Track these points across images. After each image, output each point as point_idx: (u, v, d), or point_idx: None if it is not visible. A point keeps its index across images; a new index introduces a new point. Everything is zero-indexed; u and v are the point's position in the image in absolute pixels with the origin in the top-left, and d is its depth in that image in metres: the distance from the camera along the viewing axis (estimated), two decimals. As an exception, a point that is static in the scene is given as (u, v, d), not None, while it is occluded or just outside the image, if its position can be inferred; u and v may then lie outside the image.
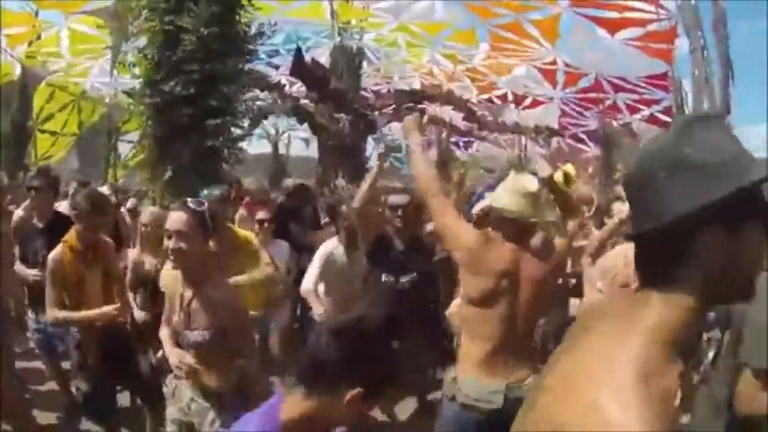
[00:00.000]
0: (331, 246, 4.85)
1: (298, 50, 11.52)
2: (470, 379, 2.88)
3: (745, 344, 2.13)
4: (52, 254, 3.68)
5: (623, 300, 1.18)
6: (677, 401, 0.98)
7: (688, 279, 1.04)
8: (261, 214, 4.94)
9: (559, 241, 3.04)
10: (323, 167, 12.77)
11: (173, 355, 2.91)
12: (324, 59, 13.39)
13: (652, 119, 15.87)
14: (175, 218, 2.74)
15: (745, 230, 1.02)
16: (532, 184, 2.93)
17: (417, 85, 17.47)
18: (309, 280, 4.77)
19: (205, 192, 4.21)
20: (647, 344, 1.01)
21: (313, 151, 16.37)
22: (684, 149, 1.03)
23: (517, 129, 19.17)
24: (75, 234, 3.70)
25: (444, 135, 21.97)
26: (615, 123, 16.85)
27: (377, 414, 5.06)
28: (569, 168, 4.64)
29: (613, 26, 12.22)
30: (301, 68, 11.40)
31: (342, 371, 1.61)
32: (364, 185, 4.46)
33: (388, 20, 13.68)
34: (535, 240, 2.93)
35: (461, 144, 23.73)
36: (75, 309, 3.67)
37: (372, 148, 22.95)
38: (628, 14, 11.56)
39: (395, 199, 4.89)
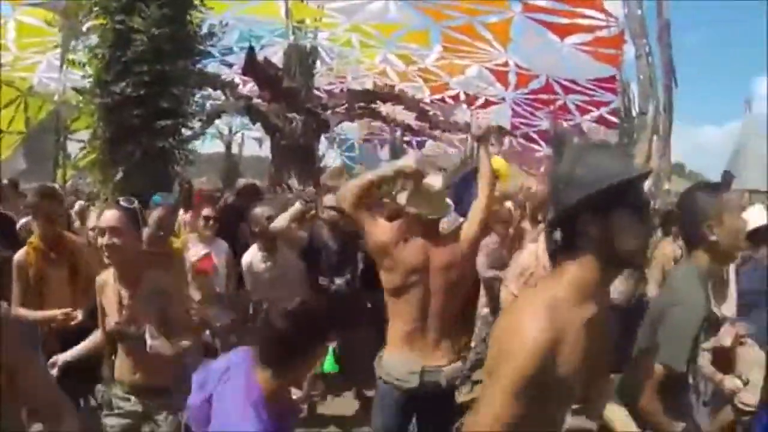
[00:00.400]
0: (249, 256, 4.80)
1: (251, 49, 11.38)
2: (392, 358, 3.17)
3: (663, 344, 2.35)
4: (17, 254, 3.77)
5: (548, 273, 1.78)
6: (578, 330, 1.53)
7: (589, 249, 1.59)
8: (206, 211, 4.93)
9: (465, 228, 3.30)
10: (276, 167, 12.62)
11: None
12: (277, 58, 13.27)
13: (601, 120, 16.28)
14: (108, 215, 2.88)
15: (614, 216, 1.57)
16: (434, 183, 3.24)
17: (370, 85, 17.48)
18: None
19: (158, 197, 4.21)
20: (562, 290, 1.58)
21: (266, 150, 16.27)
22: (575, 170, 1.62)
23: (468, 128, 19.33)
24: (37, 233, 3.80)
25: (398, 134, 22.10)
26: (565, 123, 17.23)
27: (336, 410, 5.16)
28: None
29: (563, 31, 12.49)
30: (253, 67, 11.29)
31: (301, 347, 1.93)
32: (289, 213, 4.59)
33: (342, 20, 13.69)
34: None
35: (414, 143, 23.89)
36: (39, 308, 3.73)
37: (325, 148, 22.83)
38: (577, 20, 11.86)
39: (331, 199, 5.00)
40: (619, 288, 4.48)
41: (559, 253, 1.66)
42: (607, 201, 1.56)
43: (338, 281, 4.75)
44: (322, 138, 15.08)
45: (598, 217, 1.57)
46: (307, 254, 4.84)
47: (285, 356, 1.91)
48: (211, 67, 11.44)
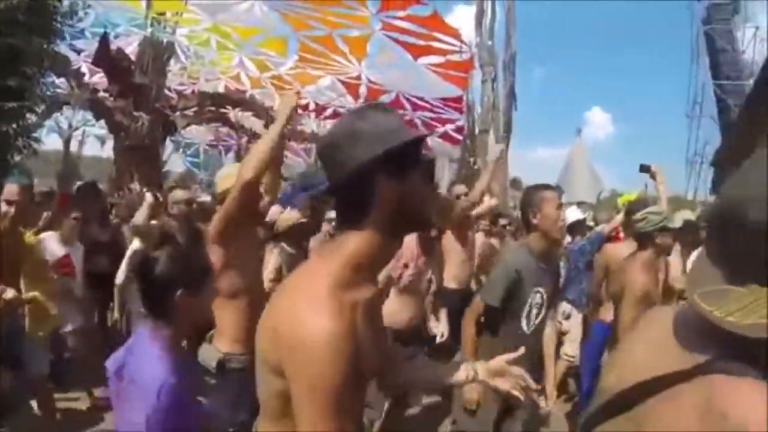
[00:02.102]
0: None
1: (105, 36, 10.11)
2: None
3: (484, 288, 3.19)
4: None
5: (330, 242, 1.47)
6: (363, 311, 1.29)
7: (374, 217, 1.33)
8: (76, 213, 4.82)
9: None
10: (118, 169, 11.27)
11: None
12: (131, 50, 11.98)
13: (446, 136, 16.69)
14: None
15: (408, 179, 1.34)
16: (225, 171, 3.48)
17: (221, 89, 16.54)
18: (121, 275, 4.86)
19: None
20: (342, 266, 1.30)
21: (108, 150, 14.73)
22: (357, 124, 1.34)
23: (314, 138, 19.01)
24: None
25: (244, 141, 21.13)
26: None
27: None
28: None
29: (417, 52, 12.62)
30: (105, 57, 10.03)
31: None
32: (144, 207, 4.55)
33: (204, 18, 12.67)
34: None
35: (260, 151, 23.01)
36: None
37: (170, 152, 21.18)
38: (432, 43, 12.03)
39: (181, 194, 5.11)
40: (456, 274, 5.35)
41: (341, 219, 1.41)
42: (407, 158, 1.35)
43: None
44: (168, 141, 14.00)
45: (395, 175, 1.33)
46: None
47: (159, 300, 1.93)
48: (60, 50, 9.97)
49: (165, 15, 11.47)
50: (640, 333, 1.22)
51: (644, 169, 5.01)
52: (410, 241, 4.18)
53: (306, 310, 1.21)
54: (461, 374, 1.73)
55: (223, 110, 14.58)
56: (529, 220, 3.20)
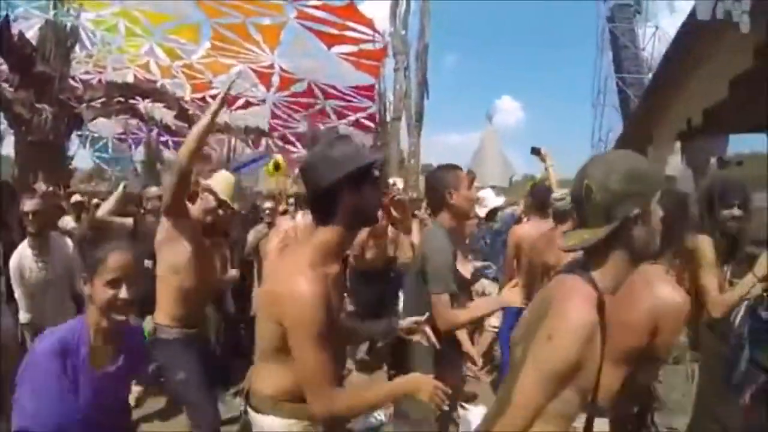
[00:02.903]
0: (19, 251, 4.29)
1: (6, 20, 9.13)
2: None
3: (434, 281, 2.99)
4: None
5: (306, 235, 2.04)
6: (331, 282, 1.81)
7: (338, 218, 1.83)
8: None
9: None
10: (20, 167, 10.17)
11: None
12: (31, 35, 10.94)
13: (357, 124, 16.56)
14: None
15: (364, 189, 1.83)
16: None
17: (130, 78, 15.48)
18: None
19: None
20: (315, 250, 1.82)
21: (7, 147, 13.51)
22: (328, 152, 1.84)
23: (227, 129, 18.32)
24: None
25: (154, 133, 20.03)
26: (322, 126, 17.19)
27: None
28: (279, 158, 5.74)
29: (331, 40, 12.44)
30: (6, 43, 9.10)
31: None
32: (111, 201, 4.49)
33: (112, 1, 11.80)
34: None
35: (171, 143, 21.95)
36: None
37: (76, 147, 19.72)
38: (346, 33, 11.92)
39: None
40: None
41: (316, 218, 1.89)
42: (361, 176, 1.84)
43: None
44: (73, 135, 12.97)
45: (354, 189, 1.83)
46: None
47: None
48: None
49: (70, -3, 10.61)
50: None
51: (535, 151, 5.13)
52: None
53: (297, 278, 1.73)
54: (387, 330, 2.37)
55: (132, 101, 13.79)
56: (444, 200, 3.14)
